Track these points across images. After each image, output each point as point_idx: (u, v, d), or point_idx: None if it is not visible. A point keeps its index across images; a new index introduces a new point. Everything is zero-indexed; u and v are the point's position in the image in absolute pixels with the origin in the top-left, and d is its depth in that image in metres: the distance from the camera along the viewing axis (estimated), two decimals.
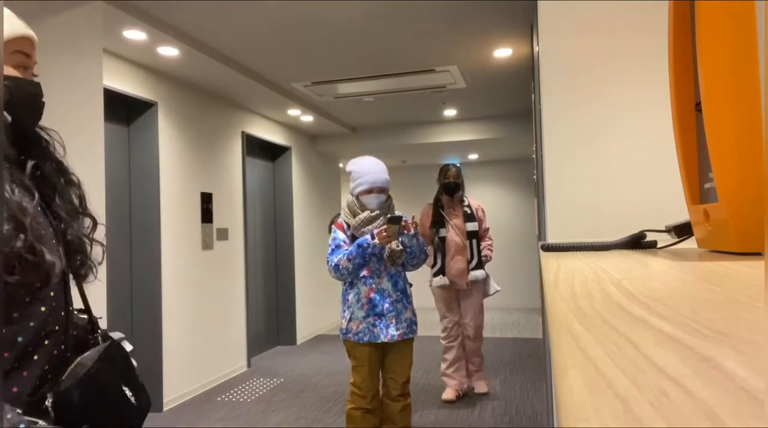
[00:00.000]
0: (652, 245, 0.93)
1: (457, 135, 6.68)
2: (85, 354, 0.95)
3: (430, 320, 6.35)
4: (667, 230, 0.93)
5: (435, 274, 3.99)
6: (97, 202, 2.70)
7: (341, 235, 2.70)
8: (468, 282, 3.99)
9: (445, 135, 6.72)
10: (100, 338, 1.08)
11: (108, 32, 3.29)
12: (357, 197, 2.73)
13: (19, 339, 0.83)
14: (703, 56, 0.62)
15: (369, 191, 2.70)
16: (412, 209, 3.83)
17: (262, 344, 6.01)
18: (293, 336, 6.35)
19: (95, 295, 2.67)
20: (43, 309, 0.87)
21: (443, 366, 4.18)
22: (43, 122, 1.07)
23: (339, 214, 2.83)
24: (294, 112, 5.72)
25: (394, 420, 2.79)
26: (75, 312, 1.03)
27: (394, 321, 2.65)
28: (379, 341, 2.64)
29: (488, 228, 4.22)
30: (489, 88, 5.19)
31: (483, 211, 4.16)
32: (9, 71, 0.98)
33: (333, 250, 2.68)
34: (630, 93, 1.78)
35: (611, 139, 1.79)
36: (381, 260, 2.66)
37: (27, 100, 0.99)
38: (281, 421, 3.83)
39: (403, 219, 2.59)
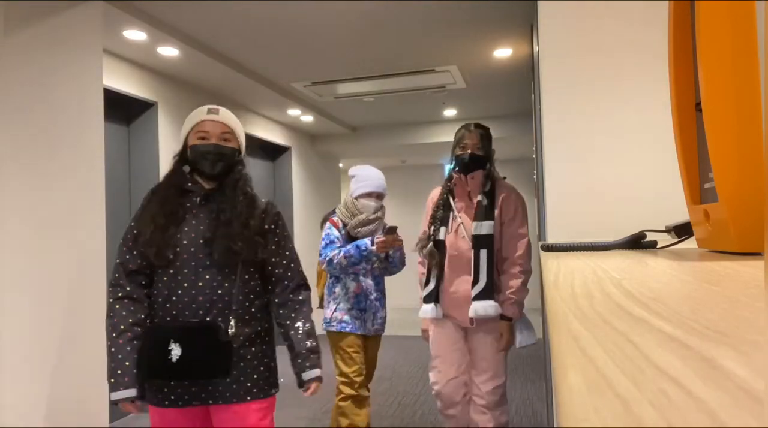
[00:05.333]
0: (652, 245, 0.93)
1: None
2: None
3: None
4: (667, 230, 0.93)
5: (424, 299, 2.56)
6: (97, 202, 2.71)
7: (335, 232, 2.85)
8: (472, 318, 2.45)
9: (445, 135, 6.72)
10: None
11: (108, 32, 3.29)
12: (356, 199, 2.89)
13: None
14: (703, 56, 0.62)
15: (369, 195, 2.88)
16: (410, 209, 3.82)
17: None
18: None
19: (95, 294, 2.68)
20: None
21: None
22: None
23: (333, 211, 2.96)
24: (294, 112, 5.72)
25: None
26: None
27: (372, 317, 2.85)
28: (360, 333, 2.81)
29: (523, 240, 2.46)
30: (489, 88, 5.19)
31: (517, 205, 2.49)
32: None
33: (327, 245, 2.83)
34: (630, 93, 1.78)
35: (611, 139, 1.79)
36: (369, 262, 2.82)
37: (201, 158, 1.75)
38: (281, 421, 3.83)
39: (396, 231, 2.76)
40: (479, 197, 2.46)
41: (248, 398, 1.72)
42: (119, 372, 1.63)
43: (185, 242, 1.68)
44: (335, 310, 2.84)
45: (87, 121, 2.65)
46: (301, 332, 1.81)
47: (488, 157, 2.53)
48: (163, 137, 4.22)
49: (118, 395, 1.63)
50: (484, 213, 2.43)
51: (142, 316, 1.70)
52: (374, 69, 4.49)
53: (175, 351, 1.59)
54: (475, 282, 2.40)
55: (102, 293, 2.71)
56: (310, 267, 7.53)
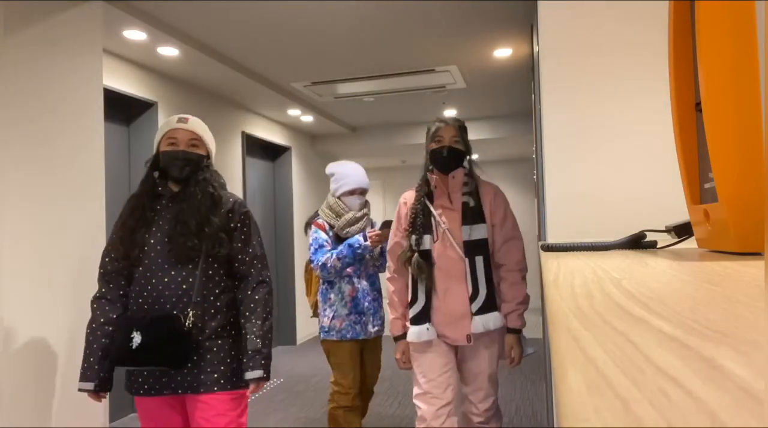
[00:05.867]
0: (652, 245, 0.93)
1: None
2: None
3: None
4: (667, 230, 0.93)
5: (414, 320, 2.19)
6: (96, 201, 2.71)
7: (323, 235, 2.76)
8: (470, 335, 2.16)
9: None
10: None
11: (108, 32, 3.29)
12: (339, 198, 2.83)
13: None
14: (703, 56, 0.62)
15: (352, 192, 2.83)
16: None
17: None
18: (293, 336, 6.35)
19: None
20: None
21: None
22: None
23: (316, 215, 2.90)
24: (294, 112, 5.72)
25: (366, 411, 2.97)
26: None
27: (371, 318, 2.79)
28: (361, 338, 2.75)
29: (518, 242, 2.23)
30: (489, 88, 5.19)
31: (506, 205, 2.27)
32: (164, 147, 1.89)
33: (316, 250, 2.74)
34: (630, 93, 1.78)
35: (611, 139, 1.79)
36: (362, 261, 2.75)
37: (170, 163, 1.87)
38: (281, 421, 3.83)
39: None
40: (464, 198, 2.20)
41: (215, 389, 1.81)
42: (85, 365, 1.83)
43: (152, 241, 1.83)
44: (333, 318, 2.73)
45: (87, 121, 2.65)
46: (252, 331, 1.86)
47: (468, 152, 2.25)
48: None
49: (80, 385, 1.83)
50: (473, 216, 2.16)
51: (114, 316, 1.86)
52: (374, 69, 4.49)
53: (136, 338, 1.73)
54: (474, 294, 2.12)
55: None
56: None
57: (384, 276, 2.45)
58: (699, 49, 0.63)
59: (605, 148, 1.79)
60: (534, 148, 3.21)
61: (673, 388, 0.18)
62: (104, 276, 1.88)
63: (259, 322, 1.85)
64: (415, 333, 2.17)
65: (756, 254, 0.61)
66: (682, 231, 0.89)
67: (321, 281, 2.81)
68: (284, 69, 4.45)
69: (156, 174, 1.90)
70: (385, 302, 2.60)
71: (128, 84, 3.92)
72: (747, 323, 0.28)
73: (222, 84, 4.62)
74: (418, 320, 2.18)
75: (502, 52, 4.16)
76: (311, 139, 7.10)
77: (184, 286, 1.79)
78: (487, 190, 2.25)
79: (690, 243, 0.88)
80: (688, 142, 0.79)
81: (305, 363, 5.47)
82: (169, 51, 3.76)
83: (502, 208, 2.23)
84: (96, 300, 1.89)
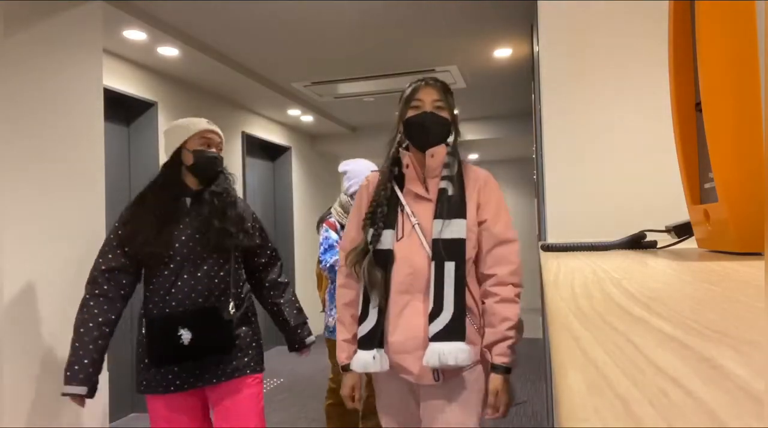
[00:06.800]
0: (652, 245, 0.93)
1: None
2: None
3: None
4: (667, 230, 0.93)
5: (361, 343, 1.59)
6: (97, 201, 2.71)
7: (333, 236, 2.72)
8: (433, 369, 1.55)
9: None
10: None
11: (108, 32, 3.29)
12: (351, 196, 2.75)
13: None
14: (703, 56, 0.62)
15: None
16: None
17: (263, 344, 6.01)
18: None
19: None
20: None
21: None
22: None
23: (329, 213, 2.84)
24: (294, 112, 5.72)
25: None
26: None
27: None
28: None
29: (513, 247, 1.61)
30: (489, 88, 5.19)
31: (499, 198, 1.66)
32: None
33: (326, 250, 2.70)
34: (630, 93, 1.78)
35: (611, 139, 1.79)
36: None
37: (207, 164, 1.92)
38: (281, 421, 3.83)
39: None
40: (443, 184, 1.61)
41: (247, 372, 1.92)
42: (76, 367, 1.75)
43: (183, 238, 1.84)
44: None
45: (87, 121, 2.65)
46: (295, 306, 2.14)
47: (454, 123, 1.66)
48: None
49: (69, 389, 1.75)
50: (450, 208, 1.57)
51: (113, 317, 1.83)
52: (374, 69, 4.49)
53: (185, 335, 1.76)
54: (436, 311, 1.51)
55: None
56: (309, 266, 7.46)
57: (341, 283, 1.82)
58: (699, 49, 0.63)
59: (605, 147, 1.79)
60: (534, 148, 3.21)
61: (673, 388, 0.18)
62: (104, 274, 1.81)
63: (293, 299, 2.14)
64: (359, 361, 1.57)
65: (756, 254, 0.61)
66: (682, 231, 0.89)
67: (329, 281, 2.80)
68: (284, 69, 4.45)
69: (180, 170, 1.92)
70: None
71: (128, 84, 3.92)
72: (747, 323, 0.28)
73: (222, 84, 4.62)
74: (364, 344, 1.58)
75: (502, 52, 4.16)
76: (311, 139, 7.10)
77: (216, 279, 1.85)
78: (473, 177, 1.66)
79: (690, 243, 0.88)
80: (688, 142, 0.79)
81: (305, 363, 5.46)
82: (169, 51, 3.76)
83: (493, 201, 1.64)
84: (94, 297, 1.80)
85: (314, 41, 3.82)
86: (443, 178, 1.62)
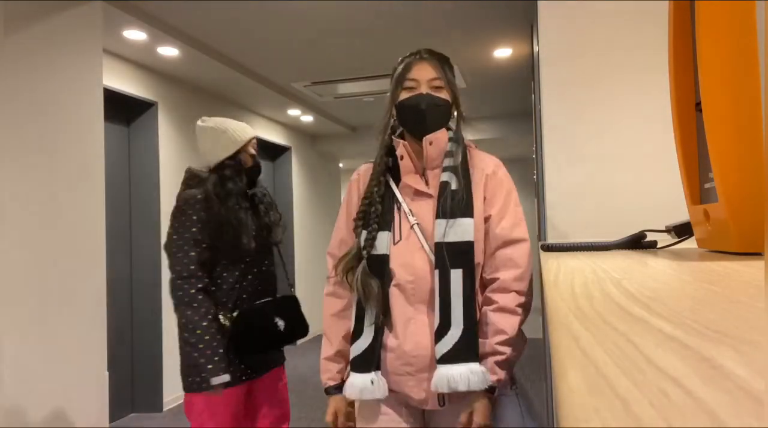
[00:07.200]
0: (652, 245, 0.93)
1: None
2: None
3: None
4: (667, 230, 0.93)
5: (355, 365, 1.38)
6: (97, 201, 2.70)
7: None
8: (440, 394, 1.35)
9: None
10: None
11: (108, 32, 3.29)
12: None
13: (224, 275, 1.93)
14: (703, 56, 0.62)
15: None
16: None
17: None
18: None
19: (95, 294, 2.68)
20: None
21: None
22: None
23: None
24: (294, 112, 5.72)
25: None
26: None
27: None
28: None
29: (522, 247, 1.38)
30: (489, 88, 5.19)
31: (509, 190, 1.46)
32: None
33: None
34: (630, 93, 1.78)
35: (611, 139, 1.79)
36: None
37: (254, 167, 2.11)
38: None
39: None
40: (445, 176, 1.39)
41: (282, 361, 2.15)
42: (217, 358, 1.80)
43: (253, 234, 2.00)
44: None
45: (87, 121, 2.65)
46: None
47: (456, 103, 1.44)
48: (163, 137, 4.21)
49: (219, 379, 1.79)
50: (455, 204, 1.35)
51: (213, 310, 1.91)
52: (374, 69, 4.49)
53: (280, 323, 1.97)
54: (443, 329, 1.30)
55: (102, 293, 2.71)
56: (309, 266, 7.46)
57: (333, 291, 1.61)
58: (699, 49, 0.63)
59: (605, 147, 1.79)
60: (534, 148, 3.21)
61: (673, 388, 0.18)
62: (199, 270, 1.85)
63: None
64: (354, 386, 1.35)
65: (756, 254, 0.61)
66: (682, 231, 0.89)
67: None
68: (284, 69, 4.45)
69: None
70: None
71: (128, 84, 3.92)
72: (747, 323, 0.28)
73: (222, 84, 4.61)
74: (359, 365, 1.36)
75: (502, 52, 4.16)
76: (311, 139, 7.10)
77: (272, 270, 2.10)
78: (480, 166, 1.44)
79: (690, 243, 0.88)
80: (688, 142, 0.79)
81: (305, 363, 5.47)
82: (169, 51, 3.76)
83: (502, 193, 1.42)
84: (200, 291, 1.84)
85: (314, 41, 3.82)
86: (445, 170, 1.39)
